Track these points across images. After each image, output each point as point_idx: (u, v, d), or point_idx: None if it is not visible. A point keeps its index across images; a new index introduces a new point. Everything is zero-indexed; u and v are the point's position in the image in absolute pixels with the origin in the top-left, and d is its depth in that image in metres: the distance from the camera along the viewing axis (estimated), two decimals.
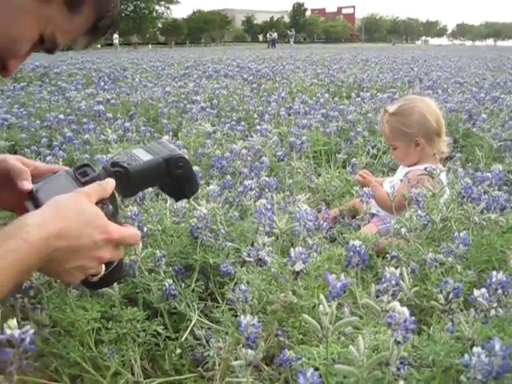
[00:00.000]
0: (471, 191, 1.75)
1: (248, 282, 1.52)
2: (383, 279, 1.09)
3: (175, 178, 1.18)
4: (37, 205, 1.06)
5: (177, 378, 1.62)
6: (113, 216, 1.05)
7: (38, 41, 0.94)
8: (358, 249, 1.32)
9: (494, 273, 1.19)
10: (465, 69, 11.37)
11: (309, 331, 1.61)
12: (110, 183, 1.05)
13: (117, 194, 1.15)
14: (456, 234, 1.54)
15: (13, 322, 0.68)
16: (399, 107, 2.70)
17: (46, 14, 0.89)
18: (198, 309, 1.78)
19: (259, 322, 1.54)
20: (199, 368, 1.63)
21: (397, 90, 6.46)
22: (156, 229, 1.95)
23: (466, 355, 1.03)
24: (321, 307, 1.03)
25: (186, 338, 1.69)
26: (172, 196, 1.35)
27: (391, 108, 2.72)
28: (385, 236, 2.20)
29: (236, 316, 1.69)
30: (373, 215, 2.71)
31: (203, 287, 1.89)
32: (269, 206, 1.50)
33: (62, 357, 1.48)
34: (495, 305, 1.20)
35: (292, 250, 1.48)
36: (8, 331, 0.68)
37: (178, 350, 1.64)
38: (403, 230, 1.98)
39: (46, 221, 0.86)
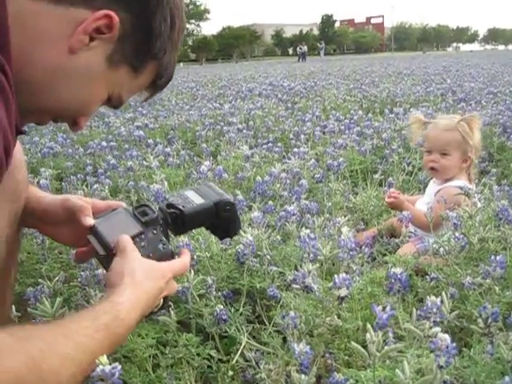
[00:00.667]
0: (508, 214, 1.82)
1: (295, 308, 1.61)
2: (425, 307, 1.17)
3: (222, 220, 1.30)
4: (99, 239, 1.18)
5: None
6: (172, 255, 1.17)
7: (106, 100, 1.06)
8: (399, 276, 1.40)
9: None
10: (498, 77, 11.29)
11: (354, 353, 1.70)
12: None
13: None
14: (493, 257, 1.61)
15: (104, 358, 0.79)
16: (466, 119, 2.75)
17: (115, 79, 1.00)
18: (246, 331, 1.87)
19: (307, 344, 1.64)
20: None
21: (430, 104, 6.51)
22: (204, 256, 2.06)
23: (507, 377, 1.11)
24: (368, 335, 1.11)
25: (237, 361, 1.78)
26: (217, 235, 1.46)
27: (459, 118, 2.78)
28: (423, 255, 2.27)
29: (284, 338, 1.79)
30: (412, 234, 2.78)
31: (250, 310, 1.99)
32: (312, 236, 1.60)
33: (125, 382, 1.58)
34: None
35: (336, 276, 1.57)
36: (100, 367, 0.78)
37: (230, 372, 1.73)
38: (441, 250, 2.05)
39: (132, 300, 0.96)
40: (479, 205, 2.45)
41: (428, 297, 1.19)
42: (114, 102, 1.06)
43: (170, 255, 1.17)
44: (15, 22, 0.82)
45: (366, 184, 3.80)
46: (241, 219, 2.49)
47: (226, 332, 1.83)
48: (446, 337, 1.05)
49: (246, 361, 1.79)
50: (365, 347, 1.79)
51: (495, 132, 4.41)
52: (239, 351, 1.79)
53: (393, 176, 3.79)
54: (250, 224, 2.35)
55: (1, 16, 0.80)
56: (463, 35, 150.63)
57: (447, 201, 2.44)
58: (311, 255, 1.56)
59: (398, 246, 2.72)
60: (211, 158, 4.21)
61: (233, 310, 1.91)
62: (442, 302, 1.29)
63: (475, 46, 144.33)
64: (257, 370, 1.70)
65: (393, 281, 1.41)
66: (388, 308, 1.06)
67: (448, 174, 2.75)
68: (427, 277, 1.94)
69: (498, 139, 4.29)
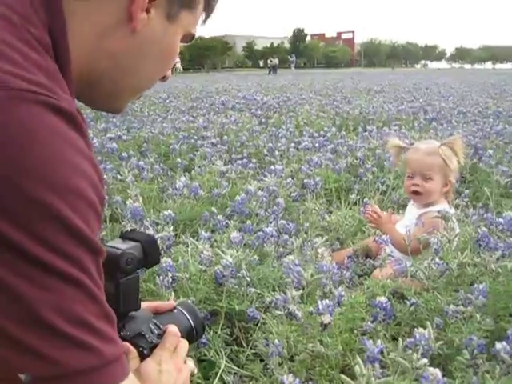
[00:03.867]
0: (488, 240, 1.83)
1: (278, 334, 1.59)
2: (413, 339, 1.17)
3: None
4: None
5: None
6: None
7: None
8: (384, 305, 1.40)
9: None
10: (467, 97, 11.52)
11: (335, 378, 1.69)
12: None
13: None
14: (476, 285, 1.61)
15: None
16: (449, 142, 2.78)
17: (179, 26, 0.94)
18: (225, 354, 1.85)
19: (289, 370, 1.63)
20: None
21: (402, 123, 6.59)
22: (183, 276, 2.03)
23: None
24: (357, 368, 1.11)
25: None
26: None
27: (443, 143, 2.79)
28: (399, 277, 2.28)
29: (262, 361, 1.78)
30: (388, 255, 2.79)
31: (229, 333, 1.97)
32: (297, 262, 1.58)
33: None
34: None
35: (320, 302, 1.57)
36: None
37: None
38: (419, 274, 2.07)
39: None
40: (457, 229, 2.48)
41: (416, 329, 1.19)
42: (187, 40, 1.03)
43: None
44: (71, 31, 0.80)
45: (341, 202, 3.81)
46: (219, 239, 2.48)
47: (204, 355, 1.81)
48: (437, 371, 1.05)
49: None
50: (346, 373, 1.79)
51: (467, 153, 4.47)
52: (218, 375, 1.77)
53: (367, 195, 3.82)
54: (227, 244, 2.34)
55: (61, 31, 0.78)
56: (431, 53, 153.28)
57: (425, 224, 2.46)
58: (295, 281, 1.55)
59: (373, 266, 2.74)
60: (186, 173, 4.18)
61: (211, 332, 1.89)
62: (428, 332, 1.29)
63: (443, 64, 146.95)
64: None
65: (378, 310, 1.40)
66: (379, 342, 1.06)
67: (431, 197, 2.76)
68: (406, 301, 1.94)
69: (470, 160, 4.35)
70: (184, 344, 1.09)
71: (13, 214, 0.62)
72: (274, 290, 2.12)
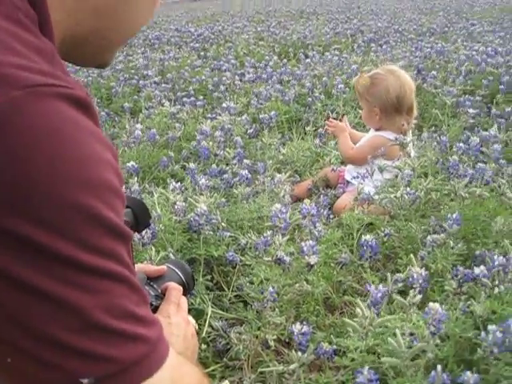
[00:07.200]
0: (457, 168, 1.89)
1: (267, 279, 1.63)
2: (410, 278, 1.22)
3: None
4: None
5: (204, 370, 1.73)
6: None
7: None
8: (370, 243, 1.45)
9: (496, 256, 1.35)
10: (400, 14, 11.56)
11: (320, 313, 1.76)
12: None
13: None
14: (449, 214, 1.68)
15: None
16: (373, 74, 2.88)
17: None
18: (209, 300, 1.88)
19: (279, 310, 1.68)
20: (224, 358, 1.75)
21: (342, 47, 6.56)
22: (159, 229, 2.02)
23: (483, 333, 1.19)
24: (358, 310, 1.16)
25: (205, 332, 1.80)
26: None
27: (369, 73, 2.92)
28: (361, 204, 2.34)
29: (244, 302, 1.84)
30: (347, 183, 2.86)
31: (209, 278, 2.00)
32: (284, 210, 1.61)
33: None
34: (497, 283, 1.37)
35: (303, 243, 1.61)
36: None
37: (204, 346, 1.74)
38: (384, 202, 2.14)
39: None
40: (413, 154, 2.56)
41: (412, 268, 1.24)
42: None
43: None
44: None
45: (292, 133, 3.83)
46: (188, 185, 2.46)
47: (192, 304, 1.83)
48: (437, 306, 1.11)
49: (213, 329, 1.81)
50: (328, 306, 1.86)
51: (411, 75, 4.50)
52: (206, 322, 1.80)
53: (317, 124, 3.85)
54: (196, 190, 2.33)
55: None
56: None
57: (379, 145, 2.61)
58: (282, 227, 1.57)
59: (335, 196, 2.80)
60: (136, 117, 4.09)
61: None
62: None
63: None
64: (227, 339, 1.73)
65: (364, 248, 1.45)
66: (380, 286, 1.10)
67: (369, 124, 2.98)
68: (378, 231, 2.00)
69: (414, 82, 4.39)
70: (184, 299, 1.12)
71: (53, 223, 0.59)
72: (247, 232, 2.15)
